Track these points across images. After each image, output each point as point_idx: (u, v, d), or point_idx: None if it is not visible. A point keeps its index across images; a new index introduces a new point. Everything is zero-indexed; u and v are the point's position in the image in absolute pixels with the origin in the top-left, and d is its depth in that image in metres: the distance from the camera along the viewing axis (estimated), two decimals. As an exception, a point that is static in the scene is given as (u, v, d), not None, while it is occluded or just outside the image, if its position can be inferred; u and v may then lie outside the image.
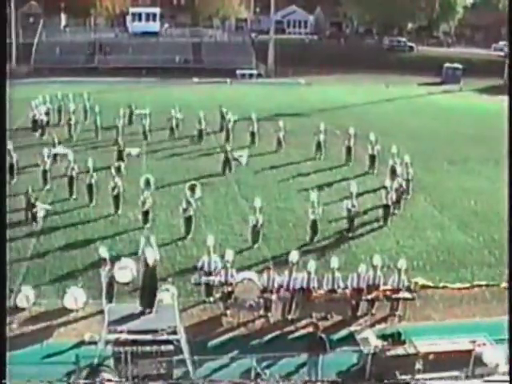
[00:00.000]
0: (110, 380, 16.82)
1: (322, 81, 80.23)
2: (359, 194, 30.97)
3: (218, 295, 22.51)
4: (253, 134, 44.71)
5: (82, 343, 20.28)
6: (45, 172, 34.76)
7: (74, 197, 33.08)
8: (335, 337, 20.73)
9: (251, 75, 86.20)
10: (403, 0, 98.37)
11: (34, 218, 29.90)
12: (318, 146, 41.77)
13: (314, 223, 28.39)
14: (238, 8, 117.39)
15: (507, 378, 16.95)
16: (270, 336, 21.19)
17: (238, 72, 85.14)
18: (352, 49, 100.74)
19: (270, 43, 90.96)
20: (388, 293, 22.12)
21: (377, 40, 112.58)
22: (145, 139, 45.16)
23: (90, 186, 32.35)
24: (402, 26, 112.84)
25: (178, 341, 17.78)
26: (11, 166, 35.69)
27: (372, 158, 38.77)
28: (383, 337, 19.58)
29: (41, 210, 30.01)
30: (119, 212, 31.02)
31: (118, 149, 39.49)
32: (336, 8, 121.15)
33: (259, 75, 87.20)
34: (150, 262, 19.34)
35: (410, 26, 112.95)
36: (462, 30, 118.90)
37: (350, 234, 29.22)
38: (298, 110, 57.71)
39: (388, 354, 18.73)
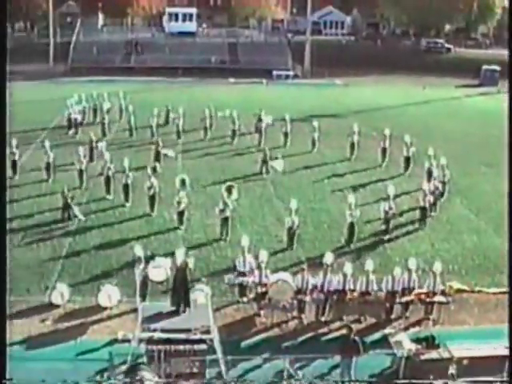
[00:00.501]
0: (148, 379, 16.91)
1: (359, 82, 79.88)
2: (394, 196, 30.79)
3: (251, 296, 22.56)
4: (286, 135, 44.69)
5: (115, 341, 20.44)
6: (81, 171, 34.99)
7: (110, 196, 33.26)
8: (369, 339, 20.66)
9: (287, 76, 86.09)
10: (441, 1, 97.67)
11: (70, 217, 30.22)
12: (352, 147, 41.70)
13: (352, 226, 28.22)
14: (274, 8, 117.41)
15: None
16: (303, 337, 21.18)
17: (274, 73, 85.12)
18: (389, 50, 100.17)
19: (307, 44, 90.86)
20: (423, 296, 21.96)
21: (414, 41, 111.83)
22: (178, 139, 45.30)
23: (126, 186, 32.46)
24: (439, 27, 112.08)
25: (211, 340, 17.82)
26: (48, 164, 36.06)
27: (407, 159, 38.55)
28: (417, 340, 19.47)
29: (76, 212, 30.29)
30: (154, 212, 31.14)
31: (155, 149, 39.57)
32: (373, 9, 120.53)
33: (295, 76, 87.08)
34: (178, 261, 19.46)
35: (447, 27, 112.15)
36: (500, 32, 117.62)
37: (387, 237, 29.04)
38: (334, 112, 57.60)
39: (422, 357, 18.62)
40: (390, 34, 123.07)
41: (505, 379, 17.34)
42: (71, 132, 47.48)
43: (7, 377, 16.59)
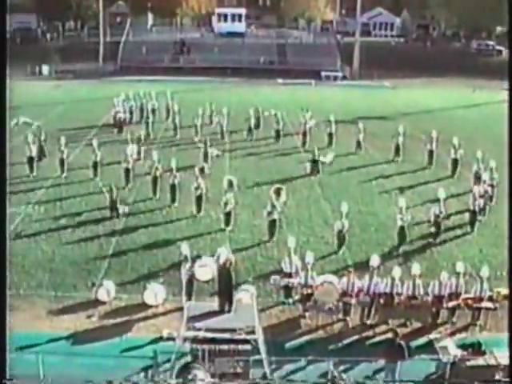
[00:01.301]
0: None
1: (408, 84, 79.35)
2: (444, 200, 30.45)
3: (297, 297, 22.52)
4: (330, 136, 44.56)
5: (160, 339, 20.58)
6: (127, 170, 35.22)
7: (157, 196, 33.39)
8: (414, 344, 20.47)
9: (336, 77, 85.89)
10: (492, 3, 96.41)
11: (117, 215, 30.51)
12: (397, 148, 41.49)
13: (402, 230, 27.98)
14: (323, 9, 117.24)
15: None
16: (348, 340, 21.07)
17: (322, 74, 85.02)
18: (439, 52, 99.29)
19: (356, 45, 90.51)
20: (470, 301, 21.70)
21: (464, 43, 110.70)
22: (222, 139, 45.38)
23: (173, 186, 32.47)
24: (490, 29, 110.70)
25: (255, 341, 17.80)
26: (95, 163, 36.40)
27: (455, 162, 38.18)
28: (463, 346, 19.27)
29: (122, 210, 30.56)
30: (201, 213, 31.22)
31: (204, 149, 39.65)
32: (423, 10, 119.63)
33: (344, 77, 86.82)
34: (222, 261, 19.49)
35: (498, 29, 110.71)
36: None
37: (438, 241, 28.71)
38: (382, 114, 57.36)
39: (467, 364, 18.40)
40: (440, 36, 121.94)
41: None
42: (116, 131, 47.92)
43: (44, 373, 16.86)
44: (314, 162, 38.03)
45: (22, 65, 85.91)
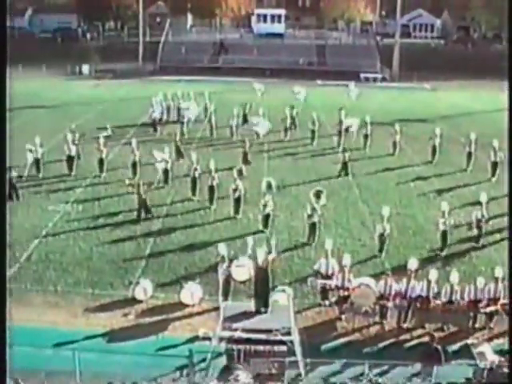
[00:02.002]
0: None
1: (448, 86, 78.75)
2: (478, 203, 30.08)
3: (333, 299, 22.44)
4: (366, 137, 44.41)
5: (195, 338, 20.60)
6: (166, 171, 35.26)
7: (195, 198, 33.38)
8: (451, 348, 20.28)
9: (375, 79, 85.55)
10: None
11: (148, 214, 30.69)
12: (434, 150, 41.21)
13: (445, 234, 27.62)
14: (363, 11, 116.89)
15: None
16: (384, 343, 20.92)
17: (361, 75, 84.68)
18: (480, 54, 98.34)
19: (396, 47, 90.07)
20: (507, 307, 21.43)
21: (505, 45, 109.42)
22: (257, 138, 45.38)
23: (211, 188, 32.37)
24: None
25: (291, 342, 17.79)
26: (134, 163, 36.56)
27: (494, 165, 37.78)
28: (501, 352, 19.03)
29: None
30: (239, 215, 31.20)
31: (243, 151, 39.62)
32: (464, 12, 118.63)
33: (383, 79, 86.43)
34: (260, 262, 19.44)
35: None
36: None
37: (480, 245, 28.38)
38: (421, 116, 57.01)
39: (505, 370, 18.15)
40: (480, 38, 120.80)
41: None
42: (152, 130, 48.17)
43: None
44: (344, 163, 37.93)
45: (63, 64, 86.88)
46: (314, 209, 28.27)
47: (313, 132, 45.93)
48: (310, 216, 28.27)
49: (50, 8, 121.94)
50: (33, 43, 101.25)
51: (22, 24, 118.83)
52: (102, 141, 37.79)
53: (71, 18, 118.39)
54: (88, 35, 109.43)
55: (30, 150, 36.48)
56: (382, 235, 27.12)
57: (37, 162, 36.59)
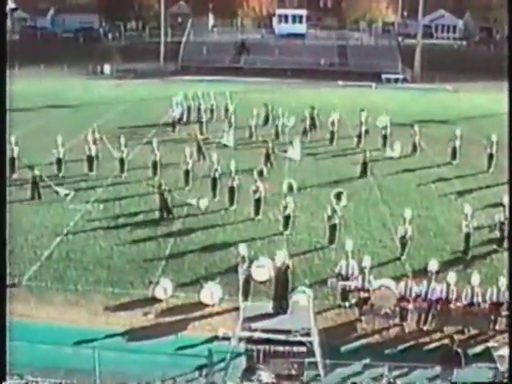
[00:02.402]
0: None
1: (470, 88, 78.32)
2: (499, 204, 29.83)
3: (353, 300, 22.39)
4: (385, 138, 44.24)
5: (215, 338, 20.60)
6: (187, 172, 35.17)
7: (216, 198, 33.28)
8: (471, 351, 20.14)
9: (396, 80, 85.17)
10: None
11: (169, 215, 30.75)
12: (454, 152, 41.05)
13: (468, 237, 27.39)
14: (385, 11, 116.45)
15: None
16: (404, 345, 20.82)
17: (383, 76, 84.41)
18: (502, 55, 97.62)
19: (417, 48, 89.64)
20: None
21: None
22: (277, 139, 45.38)
23: (231, 189, 32.33)
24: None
25: (311, 343, 17.75)
26: (154, 163, 36.65)
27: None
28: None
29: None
30: (259, 216, 31.16)
31: (266, 151, 39.55)
32: (486, 12, 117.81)
33: (405, 80, 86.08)
34: (279, 263, 19.42)
35: None
36: None
37: (503, 247, 28.15)
38: (443, 117, 56.74)
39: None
40: (503, 39, 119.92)
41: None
42: (170, 129, 48.35)
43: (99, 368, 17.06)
44: (364, 164, 37.86)
45: (84, 64, 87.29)
46: (334, 210, 28.19)
47: (332, 133, 45.84)
48: (330, 217, 28.16)
49: (72, 8, 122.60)
50: (55, 43, 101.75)
51: (45, 24, 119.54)
52: (122, 140, 37.90)
53: (93, 18, 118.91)
54: (110, 35, 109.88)
55: (53, 150, 36.68)
56: (403, 237, 27.00)
57: (58, 161, 36.75)
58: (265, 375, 16.69)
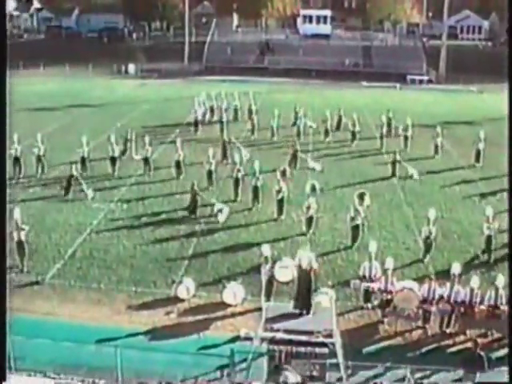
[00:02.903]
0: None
1: (495, 89, 77.60)
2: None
3: (376, 302, 22.31)
4: (406, 139, 44.06)
5: (237, 338, 20.57)
6: (210, 172, 35.08)
7: (239, 198, 33.31)
8: (494, 355, 19.98)
9: (421, 81, 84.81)
10: None
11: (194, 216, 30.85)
12: (478, 154, 40.84)
13: (489, 239, 27.11)
14: (410, 12, 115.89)
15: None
16: (426, 348, 20.70)
17: (408, 77, 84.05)
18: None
19: (442, 49, 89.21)
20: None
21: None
22: (298, 139, 45.32)
23: (255, 188, 32.37)
24: None
25: (333, 344, 17.68)
26: (178, 162, 36.71)
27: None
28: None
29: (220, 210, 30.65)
30: (282, 216, 31.15)
31: (293, 151, 39.48)
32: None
33: (429, 81, 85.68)
34: (304, 264, 19.36)
35: None
36: None
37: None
38: (468, 118, 56.48)
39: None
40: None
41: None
42: (193, 129, 48.43)
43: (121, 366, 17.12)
44: (393, 163, 37.81)
45: (109, 64, 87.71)
46: (356, 211, 28.14)
47: (353, 133, 45.79)
48: (352, 218, 28.12)
49: (97, 8, 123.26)
50: (80, 43, 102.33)
51: (70, 24, 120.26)
52: (147, 140, 38.03)
53: (118, 18, 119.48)
54: (134, 35, 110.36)
55: (78, 149, 36.89)
56: (427, 238, 26.87)
57: (83, 160, 36.92)
58: (291, 376, 16.66)
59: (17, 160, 35.90)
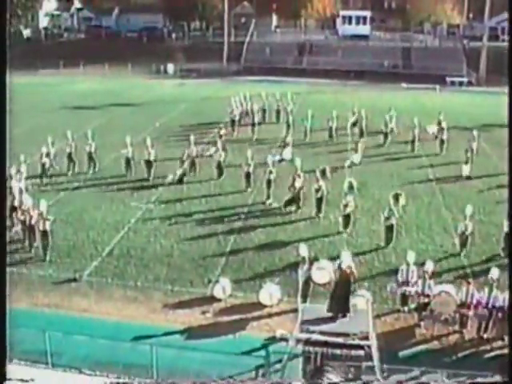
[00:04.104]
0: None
1: (536, 91, 76.79)
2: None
3: (413, 305, 22.15)
4: (442, 142, 43.68)
5: (273, 339, 20.60)
6: (248, 174, 34.99)
7: (270, 200, 33.22)
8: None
9: (461, 83, 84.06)
10: None
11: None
12: None
13: None
14: (450, 13, 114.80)
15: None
16: (463, 353, 20.50)
17: (447, 79, 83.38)
18: None
19: (483, 50, 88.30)
20: None
21: None
22: (330, 140, 45.08)
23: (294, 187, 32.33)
24: None
25: (368, 347, 17.58)
26: (219, 163, 36.71)
27: None
28: None
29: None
30: (321, 215, 31.12)
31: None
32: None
33: (469, 83, 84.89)
34: (344, 266, 19.26)
35: None
36: None
37: None
38: (507, 122, 55.68)
39: None
40: None
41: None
42: (231, 130, 48.43)
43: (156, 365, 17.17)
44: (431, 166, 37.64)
45: (148, 63, 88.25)
46: (391, 211, 28.02)
47: (385, 135, 45.52)
48: (387, 218, 28.06)
49: (137, 8, 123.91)
50: (119, 42, 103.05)
51: (110, 23, 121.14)
52: (192, 139, 38.19)
53: (157, 18, 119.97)
54: (173, 35, 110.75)
55: (123, 150, 37.08)
56: (463, 233, 26.88)
57: (127, 161, 37.10)
58: (334, 377, 16.61)
59: (69, 156, 37.27)
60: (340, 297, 18.71)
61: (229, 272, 25.15)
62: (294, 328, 18.51)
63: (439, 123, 45.51)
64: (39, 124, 49.69)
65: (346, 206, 29.32)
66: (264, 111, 51.85)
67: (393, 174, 38.53)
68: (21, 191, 29.78)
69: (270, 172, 33.44)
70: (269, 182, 33.45)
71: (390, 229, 28.10)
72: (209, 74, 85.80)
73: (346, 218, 29.49)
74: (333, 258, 23.57)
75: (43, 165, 35.84)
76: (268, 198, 33.26)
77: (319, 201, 31.15)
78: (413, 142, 44.47)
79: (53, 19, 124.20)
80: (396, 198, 29.27)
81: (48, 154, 36.16)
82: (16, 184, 30.36)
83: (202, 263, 26.10)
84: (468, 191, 35.94)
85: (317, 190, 31.08)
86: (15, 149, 42.59)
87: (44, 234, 26.18)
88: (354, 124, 47.70)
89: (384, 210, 28.74)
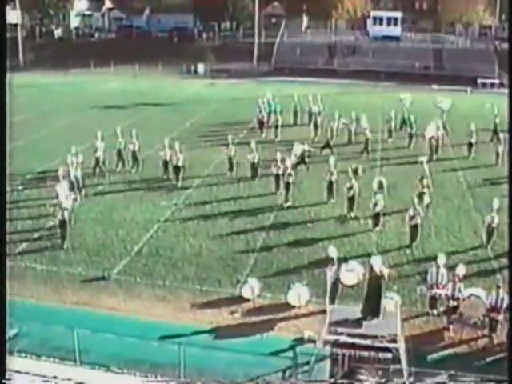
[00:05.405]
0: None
1: None
2: None
3: (442, 309, 22.00)
4: (470, 145, 43.28)
5: (300, 340, 20.56)
6: (277, 176, 34.46)
7: (289, 203, 33.13)
8: None
9: (492, 85, 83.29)
10: None
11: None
12: None
13: None
14: (482, 14, 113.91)
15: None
16: (492, 357, 20.30)
17: (479, 81, 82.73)
18: None
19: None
20: None
21: None
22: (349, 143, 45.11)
23: (330, 183, 32.68)
24: None
25: (397, 350, 17.50)
26: (253, 164, 36.65)
27: None
28: None
29: None
30: (351, 214, 31.11)
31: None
32: None
33: (501, 85, 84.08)
34: (377, 269, 19.15)
35: None
36: None
37: None
38: None
39: None
40: None
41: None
42: (259, 131, 48.42)
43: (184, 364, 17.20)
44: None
45: (178, 63, 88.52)
46: (416, 210, 27.89)
47: (410, 135, 45.23)
48: (412, 217, 27.91)
49: (168, 8, 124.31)
50: (150, 42, 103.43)
51: (140, 23, 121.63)
52: (230, 139, 38.28)
53: (188, 18, 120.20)
54: (204, 35, 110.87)
55: (160, 152, 37.15)
56: (490, 225, 27.09)
57: (165, 163, 36.83)
58: (365, 379, 16.56)
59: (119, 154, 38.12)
60: (372, 299, 18.64)
61: (257, 272, 25.17)
62: (321, 329, 18.47)
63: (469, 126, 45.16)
64: (72, 123, 50.30)
65: (375, 204, 29.29)
66: (295, 113, 51.59)
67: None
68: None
69: (290, 175, 33.22)
70: (287, 185, 33.22)
71: (414, 228, 27.98)
72: (239, 75, 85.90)
73: (376, 216, 29.50)
74: (361, 258, 23.57)
75: (97, 159, 36.79)
76: (286, 200, 33.06)
77: (351, 200, 31.11)
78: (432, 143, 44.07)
79: (84, 19, 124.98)
80: (420, 196, 29.45)
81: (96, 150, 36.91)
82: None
83: (231, 263, 26.14)
84: (498, 194, 35.58)
85: (349, 189, 31.04)
86: (49, 145, 43.02)
87: (62, 223, 27.25)
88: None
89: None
